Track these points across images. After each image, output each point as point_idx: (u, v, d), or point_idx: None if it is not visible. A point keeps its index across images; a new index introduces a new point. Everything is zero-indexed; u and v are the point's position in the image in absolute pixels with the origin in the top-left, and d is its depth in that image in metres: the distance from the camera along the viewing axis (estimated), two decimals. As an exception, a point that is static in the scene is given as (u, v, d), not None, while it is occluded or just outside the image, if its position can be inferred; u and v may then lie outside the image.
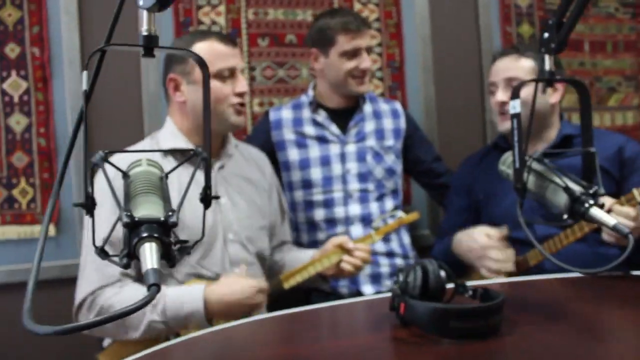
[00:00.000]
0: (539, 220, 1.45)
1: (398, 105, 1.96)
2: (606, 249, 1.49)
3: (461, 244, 1.58)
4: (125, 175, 0.65)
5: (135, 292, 1.24)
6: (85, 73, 0.60)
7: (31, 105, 1.77)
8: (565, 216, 0.90)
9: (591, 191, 0.88)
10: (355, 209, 1.82)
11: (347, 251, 1.48)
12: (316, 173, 1.82)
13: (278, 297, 1.43)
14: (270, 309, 1.33)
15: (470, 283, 1.00)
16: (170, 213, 0.57)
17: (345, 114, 1.86)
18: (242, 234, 1.45)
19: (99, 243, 0.60)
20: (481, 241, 1.52)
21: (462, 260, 1.62)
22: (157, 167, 0.69)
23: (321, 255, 1.50)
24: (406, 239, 1.92)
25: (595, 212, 0.85)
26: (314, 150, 1.82)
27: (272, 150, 1.82)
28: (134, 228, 0.55)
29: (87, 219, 1.32)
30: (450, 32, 2.21)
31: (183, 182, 0.66)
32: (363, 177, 1.84)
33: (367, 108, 1.88)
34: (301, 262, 1.52)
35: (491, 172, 1.72)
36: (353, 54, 1.76)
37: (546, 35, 0.96)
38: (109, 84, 1.84)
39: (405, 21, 2.15)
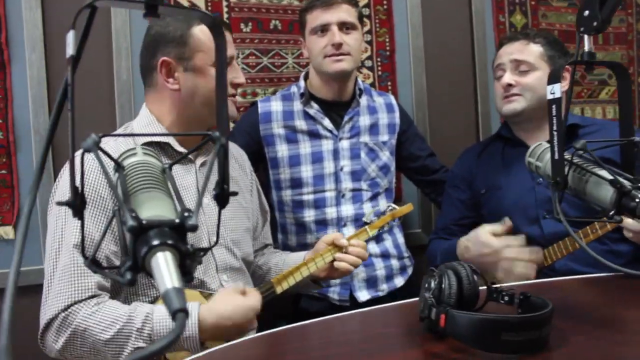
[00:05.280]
0: (576, 217, 1.37)
1: (392, 99, 1.89)
2: (617, 245, 1.45)
3: (469, 251, 1.48)
4: (119, 166, 0.53)
5: (114, 314, 1.09)
6: (71, 33, 0.49)
7: (-14, 93, 1.61)
8: (612, 212, 0.83)
9: (641, 185, 0.82)
10: (348, 209, 1.73)
11: (341, 248, 1.39)
12: (307, 171, 1.72)
13: (266, 304, 1.32)
14: (259, 318, 1.22)
15: (501, 286, 0.93)
16: (186, 214, 0.46)
17: (339, 107, 1.77)
18: (227, 237, 1.34)
19: (82, 250, 0.49)
20: (493, 243, 1.42)
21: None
22: (155, 156, 0.58)
23: (314, 255, 1.39)
24: (400, 238, 1.85)
25: (649, 207, 0.78)
26: (305, 146, 1.72)
27: (259, 145, 1.71)
28: (141, 234, 0.44)
29: (53, 221, 1.19)
30: (442, 20, 2.16)
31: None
32: (356, 175, 1.75)
33: (363, 101, 1.79)
34: (290, 264, 1.41)
35: (494, 164, 1.66)
36: (322, 30, 1.67)
37: (587, 12, 0.89)
38: (77, 71, 1.69)
39: (396, 8, 2.09)
